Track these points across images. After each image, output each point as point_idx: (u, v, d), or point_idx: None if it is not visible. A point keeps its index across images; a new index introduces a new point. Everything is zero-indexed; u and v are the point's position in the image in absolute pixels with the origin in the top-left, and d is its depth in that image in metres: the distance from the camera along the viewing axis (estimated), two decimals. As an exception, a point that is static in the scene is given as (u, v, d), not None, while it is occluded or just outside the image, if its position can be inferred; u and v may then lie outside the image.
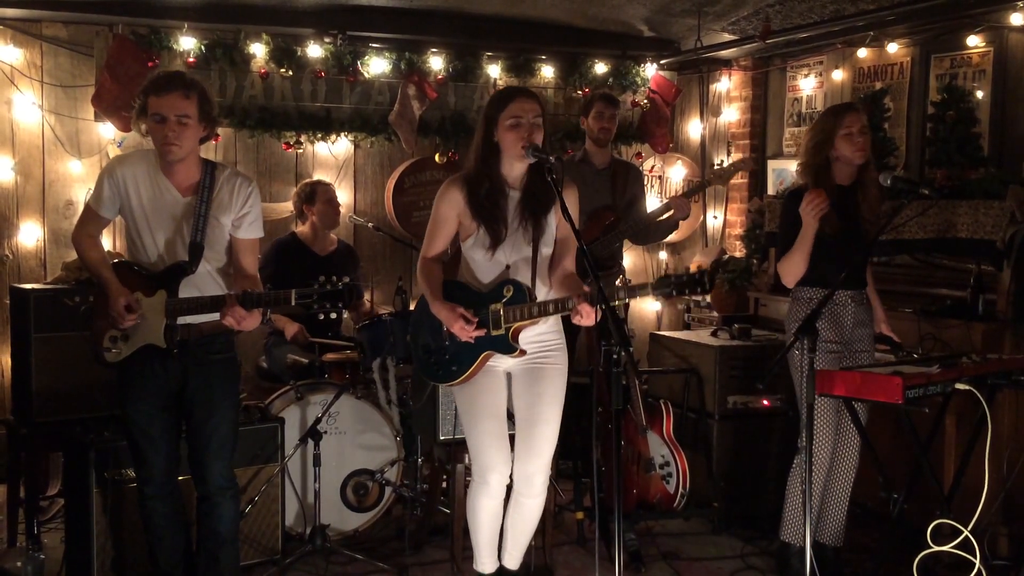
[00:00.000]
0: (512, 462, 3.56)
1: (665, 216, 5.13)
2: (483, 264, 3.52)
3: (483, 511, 3.60)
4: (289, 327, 5.10)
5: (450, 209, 3.51)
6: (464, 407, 3.57)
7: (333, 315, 3.41)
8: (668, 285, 3.15)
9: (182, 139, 3.34)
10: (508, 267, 3.50)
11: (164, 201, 3.42)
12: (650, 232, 5.28)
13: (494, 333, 3.43)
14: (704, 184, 5.38)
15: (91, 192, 3.56)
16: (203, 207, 3.42)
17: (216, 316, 3.34)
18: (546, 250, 3.54)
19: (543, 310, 3.37)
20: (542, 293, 3.52)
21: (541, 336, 3.56)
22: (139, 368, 3.44)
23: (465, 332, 3.41)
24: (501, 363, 3.54)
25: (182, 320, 3.40)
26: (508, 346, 3.44)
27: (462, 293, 3.52)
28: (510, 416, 3.64)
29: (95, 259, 3.52)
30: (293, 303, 3.28)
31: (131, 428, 3.49)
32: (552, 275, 3.56)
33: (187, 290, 3.41)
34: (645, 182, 5.40)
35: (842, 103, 4.14)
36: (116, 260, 3.58)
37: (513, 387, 3.61)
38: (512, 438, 3.61)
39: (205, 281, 3.47)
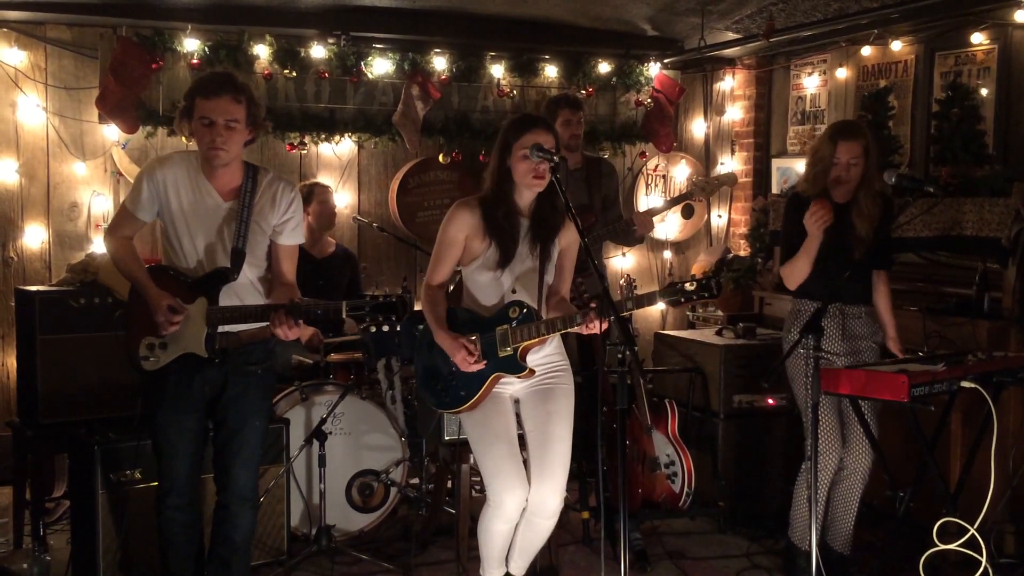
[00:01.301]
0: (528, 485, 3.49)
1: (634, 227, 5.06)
2: (487, 287, 3.48)
3: (496, 535, 3.52)
4: (304, 331, 5.08)
5: (459, 231, 3.45)
6: (475, 433, 3.50)
7: (386, 327, 3.34)
8: (676, 292, 3.14)
9: (229, 143, 3.26)
10: (514, 290, 3.47)
11: (205, 205, 3.35)
12: (620, 238, 5.26)
13: (502, 354, 3.40)
14: (686, 196, 5.32)
15: (111, 191, 3.51)
16: (245, 212, 3.33)
17: (255, 325, 3.28)
18: (548, 277, 3.53)
19: (551, 327, 3.35)
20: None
21: (547, 358, 3.54)
22: (176, 377, 3.36)
23: (467, 363, 3.37)
24: (508, 388, 3.51)
25: (221, 328, 3.33)
26: (517, 366, 3.40)
27: (468, 318, 3.50)
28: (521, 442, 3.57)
29: (130, 262, 3.42)
30: (344, 315, 3.18)
31: (159, 437, 3.43)
32: (548, 301, 3.54)
33: (227, 297, 3.34)
34: (618, 175, 5.29)
35: (844, 125, 4.10)
36: (151, 265, 3.48)
37: (522, 410, 3.56)
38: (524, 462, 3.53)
39: (245, 288, 3.40)
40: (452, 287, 4.07)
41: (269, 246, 3.46)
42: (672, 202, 5.24)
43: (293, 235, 3.48)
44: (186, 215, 3.34)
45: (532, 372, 3.44)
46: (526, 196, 3.49)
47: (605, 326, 3.22)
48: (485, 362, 3.39)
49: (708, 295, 3.11)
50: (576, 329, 3.30)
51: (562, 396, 3.54)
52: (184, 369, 3.36)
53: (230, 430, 3.43)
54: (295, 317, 3.20)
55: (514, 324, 3.39)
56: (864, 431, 3.87)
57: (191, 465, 3.45)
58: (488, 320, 3.45)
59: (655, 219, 5.06)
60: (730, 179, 5.50)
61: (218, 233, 3.35)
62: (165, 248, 3.45)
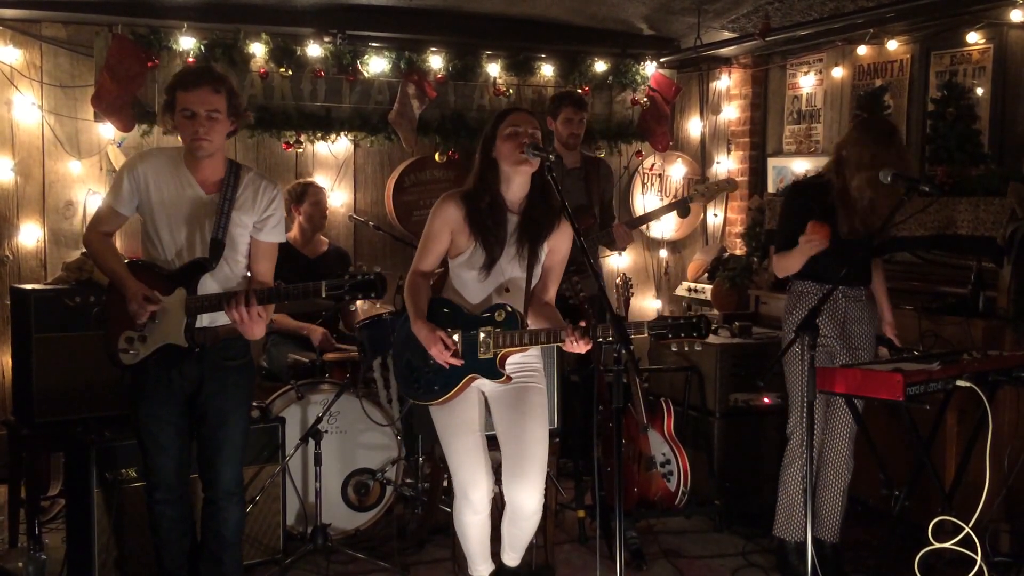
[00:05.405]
0: (500, 482, 3.45)
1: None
2: (472, 285, 3.43)
3: (469, 527, 3.51)
4: (314, 333, 5.07)
5: (444, 225, 3.41)
6: (442, 424, 3.48)
7: (364, 304, 3.32)
8: (664, 328, 3.12)
9: (212, 134, 3.28)
10: (498, 291, 3.42)
11: (186, 197, 3.35)
12: (602, 243, 5.30)
13: (482, 357, 3.34)
14: (685, 200, 5.33)
15: (107, 189, 3.49)
16: (226, 205, 3.34)
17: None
18: (535, 279, 3.47)
19: (535, 338, 3.28)
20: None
21: (522, 357, 3.48)
22: (155, 371, 3.36)
23: (442, 356, 3.31)
24: (480, 383, 3.46)
25: (199, 324, 3.32)
26: (495, 371, 3.35)
27: (450, 311, 3.43)
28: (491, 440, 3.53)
29: (108, 257, 3.43)
30: (324, 295, 3.13)
31: (142, 433, 3.43)
32: (531, 302, 3.47)
33: (206, 292, 3.32)
34: (615, 176, 5.35)
35: (888, 130, 4.06)
36: (130, 260, 3.49)
37: (493, 409, 3.51)
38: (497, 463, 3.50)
39: (225, 285, 3.37)
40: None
41: (250, 244, 3.45)
42: (668, 207, 5.24)
43: (273, 233, 3.46)
44: (167, 207, 3.35)
45: (509, 379, 3.39)
46: (515, 187, 3.43)
47: (588, 347, 3.17)
48: (462, 361, 3.34)
49: (696, 335, 3.07)
50: (559, 344, 3.23)
51: (535, 395, 3.48)
52: (163, 363, 3.36)
53: (211, 426, 3.43)
54: (271, 300, 3.21)
55: (498, 328, 3.33)
56: (859, 427, 3.88)
57: (177, 459, 3.45)
58: (471, 318, 3.39)
59: (653, 223, 5.08)
60: (731, 186, 5.50)
61: (198, 225, 3.35)
62: (144, 243, 3.45)
